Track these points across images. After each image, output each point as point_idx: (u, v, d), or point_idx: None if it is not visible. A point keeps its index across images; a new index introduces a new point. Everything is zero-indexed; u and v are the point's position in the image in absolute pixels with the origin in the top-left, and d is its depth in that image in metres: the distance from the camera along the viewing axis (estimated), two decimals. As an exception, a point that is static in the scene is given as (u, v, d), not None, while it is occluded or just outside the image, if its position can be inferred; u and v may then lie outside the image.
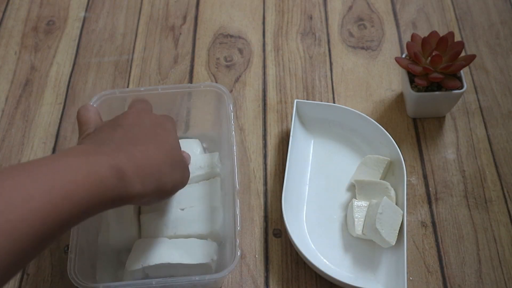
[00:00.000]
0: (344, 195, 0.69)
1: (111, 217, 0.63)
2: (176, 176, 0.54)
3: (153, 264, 0.59)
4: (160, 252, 0.60)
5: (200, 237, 0.62)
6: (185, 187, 0.66)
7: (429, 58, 0.70)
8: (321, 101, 0.78)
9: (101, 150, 0.47)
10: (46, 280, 0.64)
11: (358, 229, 0.63)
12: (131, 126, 0.53)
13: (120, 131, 0.52)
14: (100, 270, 0.62)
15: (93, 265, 0.61)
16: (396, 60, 0.72)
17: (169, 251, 0.60)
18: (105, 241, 0.63)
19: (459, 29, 0.86)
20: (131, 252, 0.61)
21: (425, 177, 0.71)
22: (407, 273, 0.59)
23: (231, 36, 0.86)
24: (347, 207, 0.67)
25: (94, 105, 0.64)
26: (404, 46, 0.77)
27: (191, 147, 0.69)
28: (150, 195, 0.49)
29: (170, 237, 0.62)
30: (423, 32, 0.78)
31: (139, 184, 0.47)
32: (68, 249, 0.64)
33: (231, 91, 0.79)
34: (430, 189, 0.70)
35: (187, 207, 0.64)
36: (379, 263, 0.63)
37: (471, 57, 0.70)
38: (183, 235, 0.62)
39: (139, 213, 0.64)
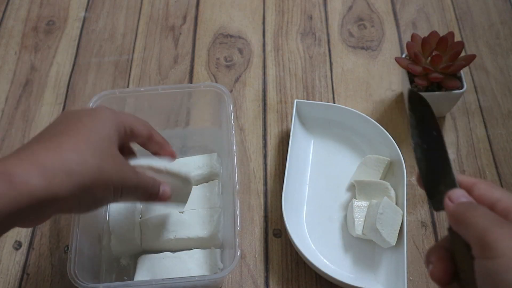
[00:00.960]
0: (344, 195, 0.69)
1: (113, 220, 0.63)
2: (110, 168, 0.46)
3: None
4: (167, 267, 0.60)
5: (200, 239, 0.62)
6: None
7: (429, 58, 0.70)
8: (321, 101, 0.78)
9: None
10: (46, 280, 0.64)
11: (358, 229, 0.63)
12: (50, 126, 0.49)
13: (36, 136, 0.48)
14: (101, 273, 0.62)
15: (93, 265, 0.61)
16: (396, 60, 0.72)
17: (177, 266, 0.60)
18: (107, 243, 0.63)
19: (459, 29, 0.86)
20: (137, 269, 0.61)
21: (425, 177, 0.71)
22: (407, 273, 0.59)
23: (231, 36, 0.86)
24: (347, 207, 0.67)
25: (94, 106, 0.64)
26: (404, 46, 0.77)
27: (211, 160, 0.68)
28: (71, 195, 0.43)
29: (170, 240, 0.62)
30: (423, 32, 0.78)
31: (39, 180, 0.41)
32: (68, 249, 0.65)
33: (231, 91, 0.79)
34: (430, 189, 0.70)
35: (187, 210, 0.64)
36: (379, 263, 0.63)
37: (471, 57, 0.70)
38: (183, 238, 0.62)
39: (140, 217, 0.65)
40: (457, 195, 0.37)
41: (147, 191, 0.52)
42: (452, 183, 0.38)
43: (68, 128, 0.47)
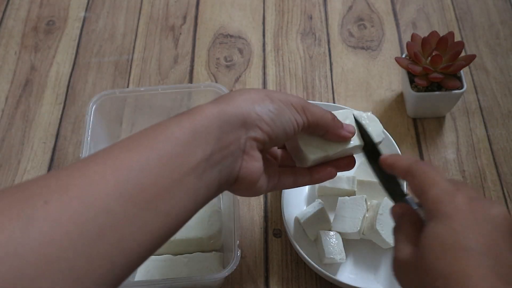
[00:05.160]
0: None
1: None
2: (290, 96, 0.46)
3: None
4: (168, 269, 0.60)
5: (200, 240, 0.62)
6: None
7: (429, 58, 0.70)
8: (321, 101, 0.78)
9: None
10: (46, 280, 0.64)
11: (330, 256, 0.61)
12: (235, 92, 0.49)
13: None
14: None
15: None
16: (396, 60, 0.72)
17: (177, 268, 0.60)
18: None
19: (459, 29, 0.86)
20: (138, 270, 0.61)
21: (425, 177, 0.71)
22: (407, 273, 0.59)
23: (231, 36, 0.86)
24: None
25: (92, 112, 0.64)
26: (404, 46, 0.77)
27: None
28: (269, 114, 0.43)
29: (170, 241, 0.62)
30: (423, 32, 0.78)
31: (246, 106, 0.42)
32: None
33: (231, 91, 0.79)
34: (430, 189, 0.70)
35: None
36: (379, 263, 0.63)
37: (471, 57, 0.70)
38: (183, 239, 0.62)
39: None
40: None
41: (333, 120, 0.49)
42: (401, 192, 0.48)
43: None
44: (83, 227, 0.31)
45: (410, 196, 0.46)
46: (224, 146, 0.41)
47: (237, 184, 0.44)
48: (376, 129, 0.52)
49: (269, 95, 0.45)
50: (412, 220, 0.43)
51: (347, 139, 0.50)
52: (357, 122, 0.52)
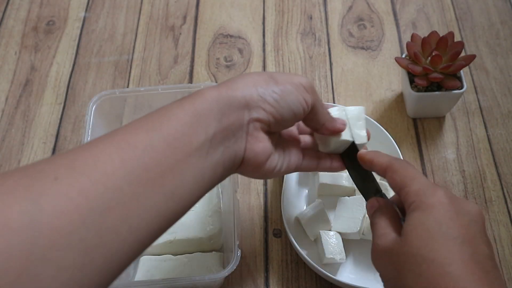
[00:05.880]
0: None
1: None
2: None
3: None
4: (168, 269, 0.60)
5: (200, 240, 0.62)
6: None
7: (429, 58, 0.70)
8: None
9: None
10: (46, 280, 0.64)
11: (329, 256, 0.61)
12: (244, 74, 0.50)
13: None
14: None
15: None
16: (396, 60, 0.72)
17: (177, 268, 0.60)
18: None
19: (459, 29, 0.86)
20: (138, 270, 0.61)
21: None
22: (407, 273, 0.59)
23: (231, 36, 0.86)
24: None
25: (92, 112, 0.65)
26: (404, 46, 0.77)
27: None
28: (271, 98, 0.44)
29: (170, 242, 0.62)
30: (423, 32, 0.78)
31: (249, 91, 0.43)
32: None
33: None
34: (430, 189, 0.70)
35: None
36: (379, 263, 0.63)
37: (471, 57, 0.70)
38: (183, 239, 0.62)
39: None
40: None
41: (328, 114, 0.50)
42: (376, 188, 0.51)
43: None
44: (92, 202, 0.32)
45: (383, 192, 0.49)
46: (225, 127, 0.41)
47: (243, 166, 0.44)
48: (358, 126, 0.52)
49: (273, 76, 0.45)
50: (391, 210, 0.46)
51: (341, 131, 0.50)
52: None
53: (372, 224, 0.46)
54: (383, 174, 0.47)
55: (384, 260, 0.43)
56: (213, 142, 0.40)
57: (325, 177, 0.66)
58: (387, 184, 0.65)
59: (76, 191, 0.32)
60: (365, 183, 0.51)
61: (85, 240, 0.32)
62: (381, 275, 0.43)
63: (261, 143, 0.44)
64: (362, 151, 0.50)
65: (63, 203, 0.31)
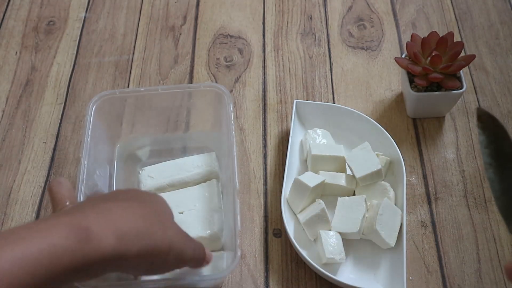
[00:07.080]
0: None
1: None
2: (173, 236, 0.48)
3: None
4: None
5: (200, 240, 0.62)
6: (183, 190, 0.66)
7: (429, 58, 0.70)
8: (321, 101, 0.78)
9: (66, 212, 0.44)
10: (47, 280, 0.64)
11: (328, 256, 0.61)
12: (115, 192, 0.51)
13: (101, 195, 0.51)
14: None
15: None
16: (396, 60, 0.72)
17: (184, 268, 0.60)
18: None
19: (459, 29, 0.86)
20: None
21: (424, 177, 0.71)
22: (406, 273, 0.59)
23: (231, 36, 0.86)
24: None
25: (92, 112, 0.65)
26: (404, 46, 0.77)
27: (209, 159, 0.68)
28: (137, 256, 0.43)
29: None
30: (423, 32, 0.78)
31: (113, 239, 0.41)
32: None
33: (231, 91, 0.79)
34: (430, 189, 0.70)
35: (186, 210, 0.64)
36: (379, 263, 0.63)
37: (471, 57, 0.70)
38: None
39: None
40: None
41: (200, 261, 0.53)
42: None
43: (137, 196, 0.51)
44: None
45: None
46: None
47: None
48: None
49: None
50: None
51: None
52: None
53: None
54: None
55: None
56: None
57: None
58: (388, 184, 0.66)
59: None
60: None
61: None
62: None
63: None
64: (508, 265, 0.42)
65: None
